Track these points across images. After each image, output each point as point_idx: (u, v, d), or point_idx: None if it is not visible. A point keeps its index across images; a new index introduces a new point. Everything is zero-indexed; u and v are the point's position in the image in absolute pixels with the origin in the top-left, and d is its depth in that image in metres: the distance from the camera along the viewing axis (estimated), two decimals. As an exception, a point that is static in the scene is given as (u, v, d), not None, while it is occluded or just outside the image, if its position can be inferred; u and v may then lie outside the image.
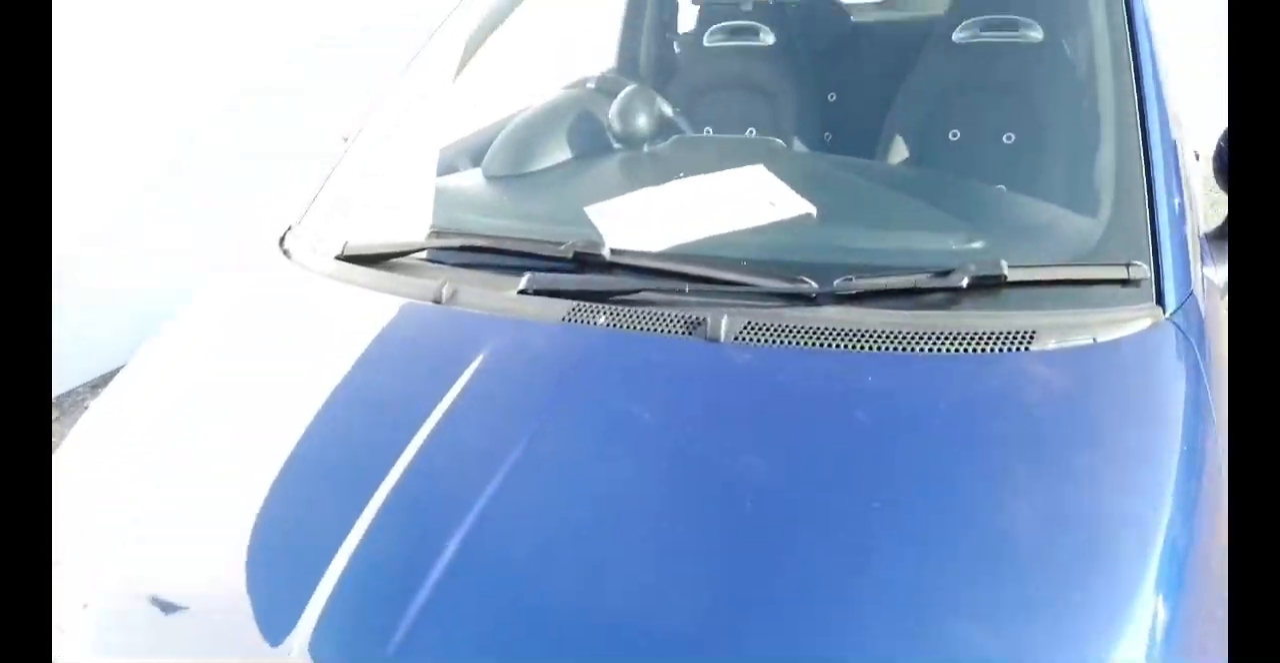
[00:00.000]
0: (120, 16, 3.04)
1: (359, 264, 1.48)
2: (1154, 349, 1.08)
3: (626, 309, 1.22)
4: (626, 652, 0.87)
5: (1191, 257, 1.20)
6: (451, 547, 0.96)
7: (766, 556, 0.91)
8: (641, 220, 1.40)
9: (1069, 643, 0.83)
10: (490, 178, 1.73)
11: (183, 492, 1.16)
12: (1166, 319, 1.11)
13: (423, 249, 1.44)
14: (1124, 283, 1.12)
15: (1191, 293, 1.16)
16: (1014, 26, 1.83)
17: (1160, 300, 1.12)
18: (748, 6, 2.16)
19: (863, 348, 1.10)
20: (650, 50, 2.80)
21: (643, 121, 1.68)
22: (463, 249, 1.41)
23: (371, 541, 0.99)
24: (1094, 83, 1.40)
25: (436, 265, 1.43)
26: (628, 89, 1.73)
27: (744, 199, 1.42)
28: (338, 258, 1.50)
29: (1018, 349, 1.07)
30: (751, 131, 2.19)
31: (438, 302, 1.33)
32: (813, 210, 1.35)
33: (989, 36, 1.87)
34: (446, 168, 1.92)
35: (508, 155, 1.76)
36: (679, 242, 1.33)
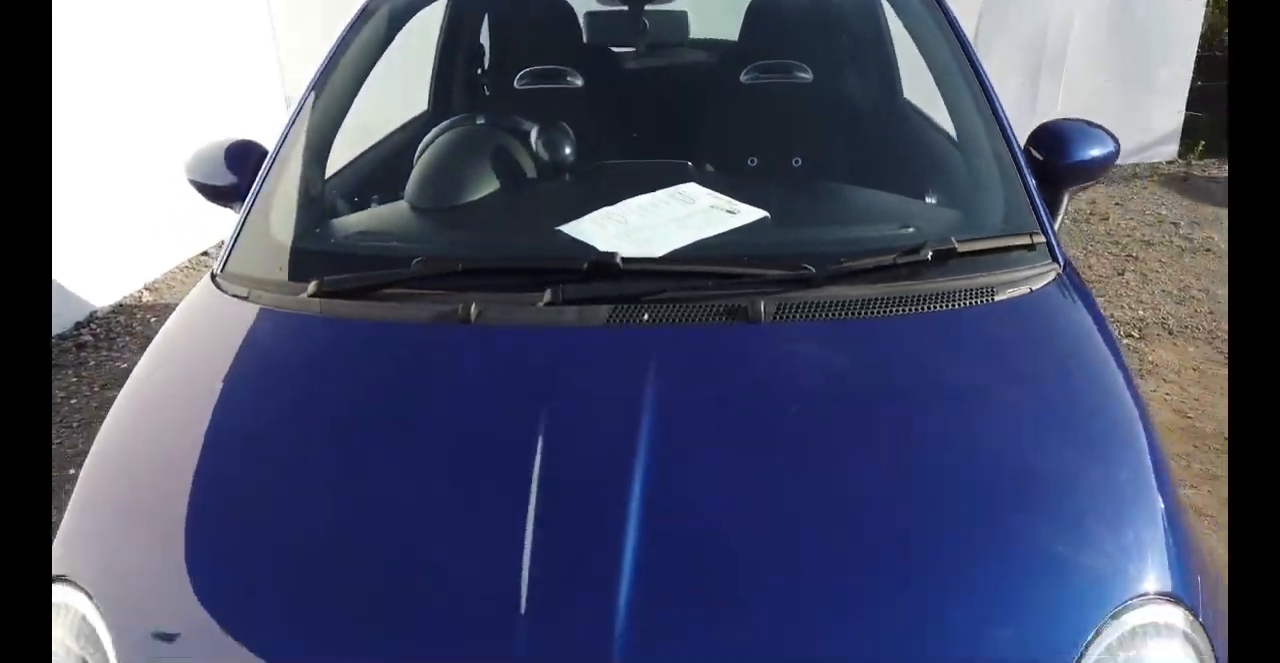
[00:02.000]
0: None
1: (340, 299, 1.47)
2: (1067, 291, 1.46)
3: (667, 307, 1.37)
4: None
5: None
6: (630, 540, 1.05)
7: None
8: (621, 235, 1.55)
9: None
10: (422, 210, 1.77)
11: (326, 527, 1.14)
12: (1064, 271, 1.50)
13: (421, 277, 1.47)
14: (1030, 248, 1.49)
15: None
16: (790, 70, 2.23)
17: (1054, 257, 1.51)
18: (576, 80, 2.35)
19: (875, 314, 1.36)
20: (461, 94, 2.91)
21: (566, 151, 1.82)
22: (465, 273, 1.46)
23: (546, 547, 1.05)
24: (950, 86, 1.80)
25: (430, 292, 1.47)
26: (542, 123, 1.86)
27: (701, 210, 1.63)
28: (313, 295, 1.48)
29: (985, 302, 1.39)
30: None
31: (465, 321, 1.38)
32: (767, 215, 1.60)
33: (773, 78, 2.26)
34: (360, 198, 1.93)
35: (432, 187, 1.81)
36: (671, 248, 1.51)
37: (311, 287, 1.47)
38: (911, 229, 1.56)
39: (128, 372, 1.43)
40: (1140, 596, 1.04)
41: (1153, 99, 5.68)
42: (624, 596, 1.00)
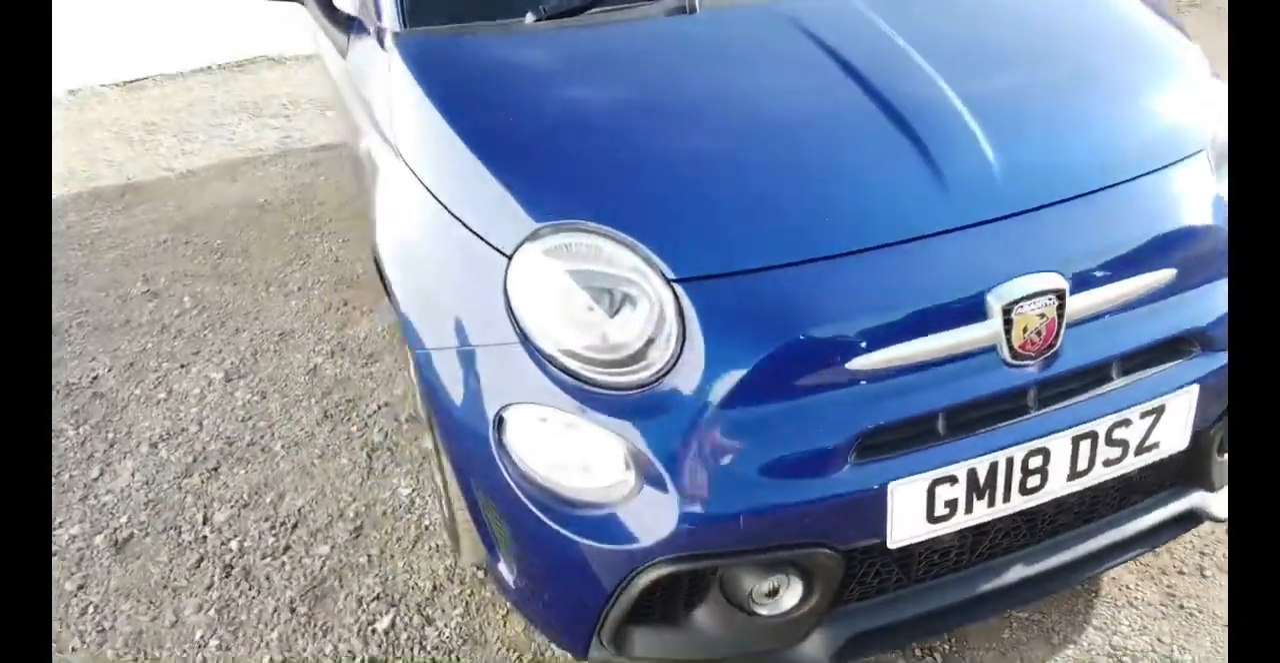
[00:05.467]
0: None
1: (559, 19, 1.71)
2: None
3: None
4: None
5: None
6: (949, 88, 1.51)
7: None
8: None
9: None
10: None
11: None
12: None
13: None
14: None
15: None
16: None
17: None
18: None
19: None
20: None
21: None
22: None
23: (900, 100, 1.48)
24: None
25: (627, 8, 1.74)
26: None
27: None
28: (539, 20, 1.72)
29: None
30: None
31: (691, 10, 1.68)
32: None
33: None
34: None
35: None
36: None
37: (530, 17, 1.69)
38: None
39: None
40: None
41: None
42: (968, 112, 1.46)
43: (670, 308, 1.30)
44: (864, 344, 1.30)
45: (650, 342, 1.30)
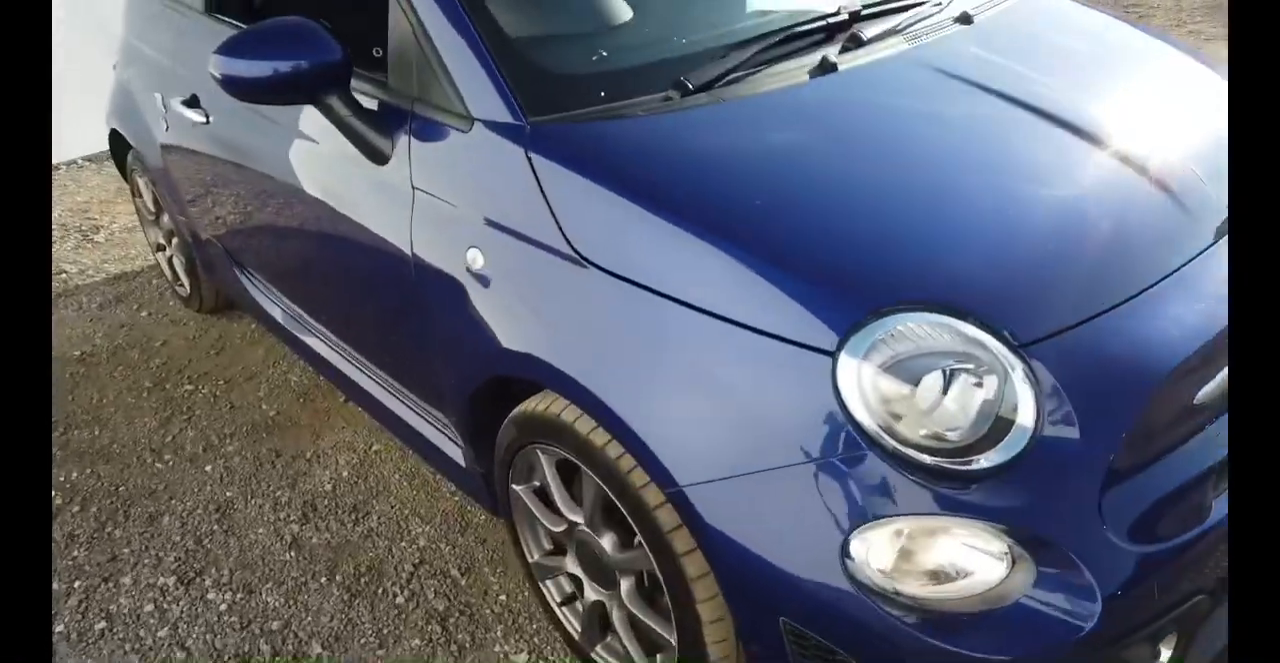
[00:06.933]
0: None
1: (708, 90, 1.55)
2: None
3: (922, 23, 1.76)
4: None
5: None
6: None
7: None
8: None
9: None
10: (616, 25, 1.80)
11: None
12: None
13: (758, 56, 1.61)
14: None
15: None
16: None
17: None
18: None
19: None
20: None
21: None
22: (776, 45, 1.63)
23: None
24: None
25: (761, 69, 1.61)
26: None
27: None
28: (690, 93, 1.54)
29: None
30: None
31: (831, 69, 1.58)
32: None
33: None
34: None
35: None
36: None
37: (674, 92, 1.53)
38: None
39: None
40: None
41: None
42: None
43: (1025, 376, 1.19)
44: (1200, 375, 1.28)
45: (1005, 414, 1.18)
